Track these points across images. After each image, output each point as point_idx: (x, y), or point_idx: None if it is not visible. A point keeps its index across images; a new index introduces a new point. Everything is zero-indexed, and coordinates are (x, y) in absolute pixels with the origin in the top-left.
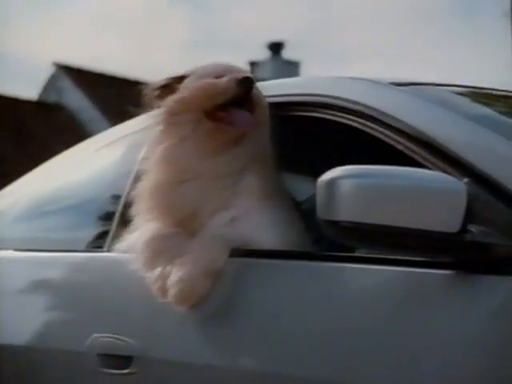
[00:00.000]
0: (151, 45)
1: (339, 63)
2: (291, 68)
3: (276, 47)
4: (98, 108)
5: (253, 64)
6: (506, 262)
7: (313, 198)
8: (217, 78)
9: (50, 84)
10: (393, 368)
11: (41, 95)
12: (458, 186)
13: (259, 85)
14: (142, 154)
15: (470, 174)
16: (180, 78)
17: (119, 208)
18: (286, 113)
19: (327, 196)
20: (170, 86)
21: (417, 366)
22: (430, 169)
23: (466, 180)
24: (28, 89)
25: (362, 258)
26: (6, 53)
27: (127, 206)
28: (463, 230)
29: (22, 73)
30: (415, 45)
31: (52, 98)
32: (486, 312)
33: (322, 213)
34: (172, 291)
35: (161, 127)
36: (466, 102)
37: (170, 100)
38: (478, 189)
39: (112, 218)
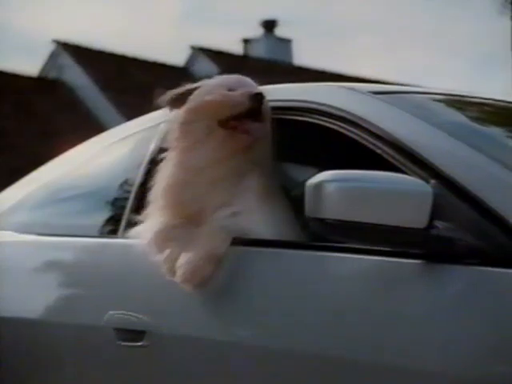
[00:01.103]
0: (148, 21)
1: (330, 41)
2: (284, 45)
3: (269, 25)
4: (97, 85)
5: (246, 41)
6: (466, 254)
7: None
8: (229, 90)
9: (50, 61)
10: (366, 341)
11: (41, 71)
12: (425, 188)
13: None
14: (152, 147)
15: (437, 176)
16: (196, 89)
17: (131, 197)
18: (278, 116)
19: (315, 197)
20: (186, 95)
21: (388, 338)
22: (403, 171)
23: (433, 182)
24: (28, 65)
25: (343, 247)
26: (8, 29)
27: (139, 195)
28: (430, 225)
29: (22, 49)
30: (405, 23)
31: (52, 75)
32: (449, 296)
33: (310, 211)
34: (179, 272)
35: (176, 132)
36: (440, 110)
37: (186, 108)
38: (443, 190)
39: (125, 207)
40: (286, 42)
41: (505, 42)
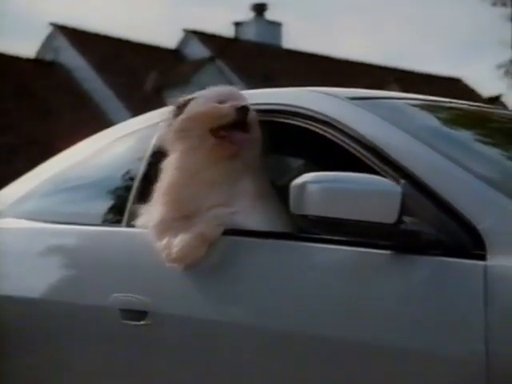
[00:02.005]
0: (142, 4)
1: (318, 23)
2: (274, 28)
3: (259, 8)
4: (92, 67)
5: (237, 24)
6: (430, 246)
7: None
8: (220, 102)
9: (47, 43)
10: (343, 321)
11: (38, 53)
12: (394, 188)
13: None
14: (153, 142)
15: (406, 177)
16: (192, 99)
17: (134, 189)
18: (264, 118)
19: (299, 196)
20: (185, 105)
21: (363, 319)
22: (376, 171)
23: (402, 182)
24: (25, 47)
25: (324, 239)
26: (6, 11)
27: (141, 187)
28: (399, 221)
29: (19, 31)
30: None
31: (49, 57)
32: (415, 282)
33: (294, 208)
34: (174, 251)
35: (172, 139)
36: (414, 114)
37: (181, 118)
38: (411, 189)
39: (128, 197)
40: (275, 26)
41: (487, 27)
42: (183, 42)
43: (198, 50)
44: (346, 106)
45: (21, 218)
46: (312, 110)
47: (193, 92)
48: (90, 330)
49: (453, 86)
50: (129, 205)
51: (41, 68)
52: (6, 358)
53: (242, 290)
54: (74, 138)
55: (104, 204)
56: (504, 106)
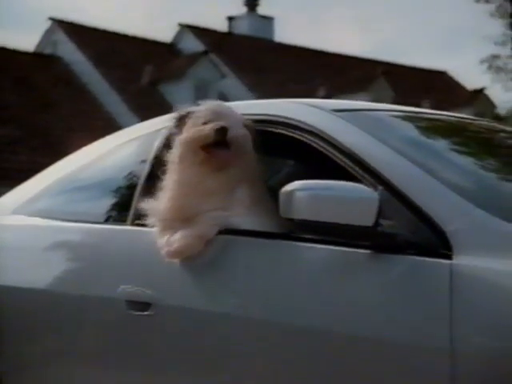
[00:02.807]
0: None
1: (309, 16)
2: (266, 23)
3: (252, 3)
4: (90, 60)
5: (230, 19)
6: (404, 246)
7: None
8: (207, 121)
9: (46, 37)
10: (325, 313)
11: (37, 47)
12: (372, 194)
13: (237, 105)
14: (156, 145)
15: (384, 184)
16: (189, 113)
17: (138, 190)
18: (258, 127)
19: (287, 201)
20: (183, 118)
21: (342, 311)
22: (357, 177)
23: (380, 188)
24: (25, 40)
25: (310, 239)
26: (6, 5)
27: (145, 188)
28: (376, 223)
29: (19, 25)
30: None
31: (48, 50)
32: (391, 278)
33: (284, 212)
34: (173, 247)
35: (176, 157)
36: (394, 125)
37: (180, 139)
38: (388, 195)
39: (132, 198)
40: (267, 20)
41: (472, 23)
42: (178, 36)
43: (192, 44)
44: (330, 118)
45: (33, 215)
46: (299, 121)
47: (188, 87)
48: (98, 319)
49: (438, 79)
50: (133, 205)
51: (40, 61)
52: (17, 345)
53: (235, 284)
54: (72, 129)
55: (110, 204)
56: (487, 99)
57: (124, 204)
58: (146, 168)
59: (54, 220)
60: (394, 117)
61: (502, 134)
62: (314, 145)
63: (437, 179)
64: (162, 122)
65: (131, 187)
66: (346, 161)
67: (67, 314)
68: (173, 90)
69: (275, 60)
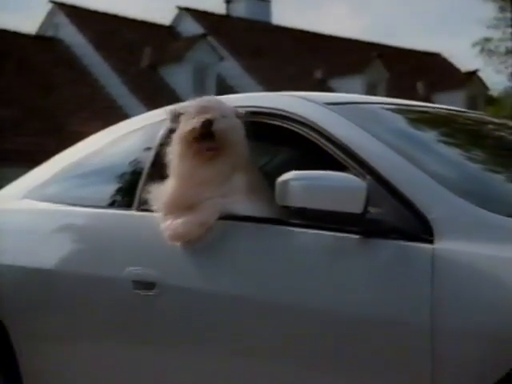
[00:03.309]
0: None
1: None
2: (263, 5)
3: None
4: (91, 42)
5: (228, 2)
6: (390, 232)
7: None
8: (196, 115)
9: (47, 20)
10: (317, 292)
11: (39, 30)
12: (361, 183)
13: (236, 97)
14: (160, 134)
15: (371, 174)
16: (182, 109)
17: (143, 177)
18: (253, 119)
19: (283, 190)
20: (178, 114)
21: (334, 290)
22: (347, 167)
23: (368, 178)
24: (27, 23)
25: (303, 224)
26: None
27: (150, 175)
28: (364, 211)
29: (21, 8)
30: None
31: (49, 33)
32: (379, 260)
33: (279, 200)
34: (176, 231)
35: (173, 151)
36: (384, 118)
37: (177, 135)
38: (375, 184)
39: (137, 184)
40: (265, 2)
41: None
42: (177, 19)
43: (191, 27)
44: (322, 111)
45: (43, 200)
46: (294, 114)
47: (187, 69)
48: (106, 298)
49: (432, 61)
50: (138, 191)
51: (42, 44)
52: (28, 321)
53: (234, 266)
54: (74, 111)
55: (117, 190)
56: (480, 81)
57: (130, 190)
58: (151, 156)
59: (63, 205)
60: (385, 109)
61: (490, 126)
62: (308, 136)
63: (421, 170)
64: (165, 113)
65: (137, 174)
66: (337, 151)
67: (76, 293)
68: (172, 72)
69: (272, 42)
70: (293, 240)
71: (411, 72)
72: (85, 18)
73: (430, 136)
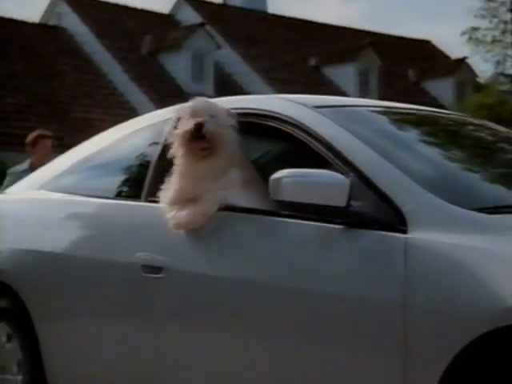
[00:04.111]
0: None
1: None
2: None
3: None
4: (93, 32)
5: None
6: (370, 223)
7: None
8: (190, 118)
9: (50, 9)
10: (307, 274)
11: (42, 18)
12: (344, 180)
13: (233, 99)
14: (166, 131)
15: (354, 171)
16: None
17: (150, 170)
18: (248, 119)
19: (276, 186)
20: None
21: (321, 272)
22: (332, 165)
23: (351, 175)
24: (30, 12)
25: (295, 216)
26: None
27: (156, 168)
28: (348, 204)
29: None
30: None
31: (52, 22)
32: (361, 248)
33: (273, 195)
34: (181, 220)
35: (174, 151)
36: (371, 119)
37: (177, 135)
38: (357, 180)
39: (145, 177)
40: None
41: None
42: (176, 8)
43: (189, 16)
44: (311, 114)
45: (58, 191)
46: (286, 116)
47: (185, 57)
48: (117, 280)
49: (423, 48)
50: (146, 183)
51: (45, 32)
52: (44, 300)
53: (232, 252)
54: (76, 97)
55: (127, 182)
56: (469, 68)
57: (138, 183)
58: (158, 151)
59: (77, 196)
60: (371, 112)
61: (469, 127)
62: (298, 136)
63: (398, 167)
64: (171, 112)
65: (145, 168)
66: (323, 150)
67: (89, 275)
68: (171, 60)
69: (268, 31)
70: (285, 229)
71: (402, 59)
72: (86, 7)
73: (410, 136)
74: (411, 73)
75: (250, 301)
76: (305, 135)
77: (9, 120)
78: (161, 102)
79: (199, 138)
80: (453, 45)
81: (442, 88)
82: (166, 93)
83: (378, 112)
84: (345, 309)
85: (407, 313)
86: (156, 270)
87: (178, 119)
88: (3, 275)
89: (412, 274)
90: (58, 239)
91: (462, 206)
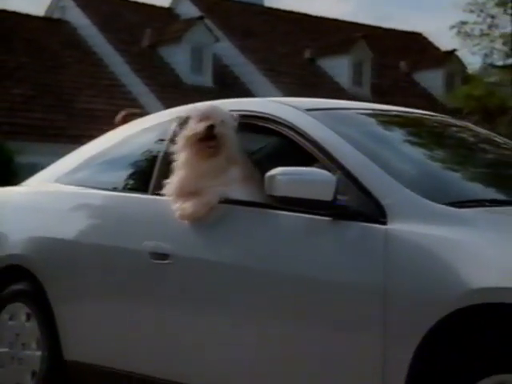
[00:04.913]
0: None
1: None
2: None
3: None
4: (95, 25)
5: None
6: (354, 215)
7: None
8: (201, 120)
9: (54, 2)
10: (295, 260)
11: (46, 12)
12: (331, 177)
13: (232, 102)
14: (172, 129)
15: (340, 169)
16: (189, 116)
17: (157, 165)
18: (246, 121)
19: (270, 182)
20: (185, 120)
21: (311, 260)
22: (322, 164)
23: (338, 172)
24: (35, 6)
25: (287, 208)
26: None
27: (163, 163)
28: (334, 198)
29: None
30: None
31: (56, 15)
32: (344, 238)
33: (268, 190)
34: (186, 211)
35: (180, 147)
36: (358, 121)
37: (183, 135)
38: (343, 177)
39: (152, 172)
40: None
41: None
42: (175, 2)
43: (188, 9)
44: (302, 116)
45: (71, 184)
46: (279, 118)
47: (185, 50)
48: (126, 266)
49: (414, 40)
50: (153, 178)
51: (50, 25)
52: (59, 283)
53: (232, 240)
54: (80, 88)
55: (135, 176)
56: (458, 60)
57: (146, 177)
58: (164, 148)
59: (89, 188)
60: (359, 114)
61: (451, 129)
62: (290, 136)
63: (380, 166)
64: (177, 112)
65: (152, 163)
66: (313, 149)
67: (101, 261)
68: (171, 53)
69: (264, 24)
70: (278, 220)
71: (394, 51)
72: (89, 1)
73: (394, 137)
74: (403, 64)
75: (247, 283)
76: (296, 136)
77: (15, 110)
78: (161, 92)
79: (209, 137)
80: (443, 38)
81: (433, 79)
82: (166, 84)
83: (366, 114)
84: (331, 292)
85: (386, 294)
86: (163, 256)
87: (186, 120)
88: (23, 260)
89: (391, 261)
90: (72, 228)
91: (435, 201)
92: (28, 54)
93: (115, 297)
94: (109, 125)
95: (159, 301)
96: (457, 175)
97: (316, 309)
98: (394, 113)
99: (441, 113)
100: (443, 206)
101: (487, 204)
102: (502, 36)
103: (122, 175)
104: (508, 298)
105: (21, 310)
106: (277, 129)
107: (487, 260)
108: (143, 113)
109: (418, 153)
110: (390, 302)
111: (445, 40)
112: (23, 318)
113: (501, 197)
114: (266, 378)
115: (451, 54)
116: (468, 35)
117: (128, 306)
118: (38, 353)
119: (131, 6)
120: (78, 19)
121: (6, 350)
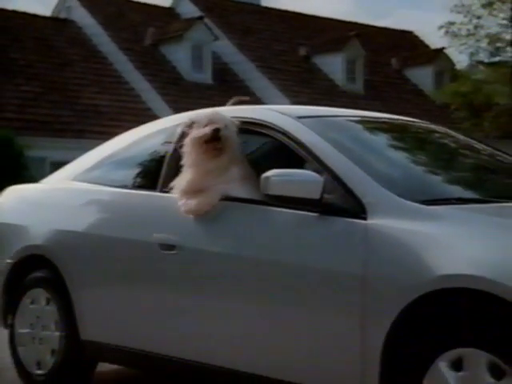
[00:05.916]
0: None
1: None
2: None
3: None
4: (100, 24)
5: None
6: (339, 211)
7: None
8: (206, 125)
9: (60, 3)
10: (286, 250)
11: (53, 12)
12: (319, 178)
13: (228, 109)
14: (178, 132)
15: (327, 170)
16: (194, 121)
17: (165, 164)
18: (245, 127)
19: (265, 182)
20: (191, 124)
21: (300, 251)
22: (311, 166)
23: (325, 174)
24: (42, 6)
25: (280, 205)
26: None
27: (171, 162)
28: (321, 197)
29: None
30: None
31: (62, 15)
32: (330, 232)
33: (263, 190)
34: (191, 207)
35: (186, 150)
36: (347, 128)
37: (189, 138)
38: (329, 178)
39: (160, 171)
40: None
41: None
42: (176, 2)
43: (189, 9)
44: (294, 123)
45: (88, 182)
46: (273, 124)
47: (185, 48)
48: (137, 256)
49: (405, 38)
50: (161, 177)
51: (56, 25)
52: (76, 271)
53: (232, 233)
54: (86, 85)
55: (144, 175)
56: (447, 58)
57: (155, 176)
58: (171, 150)
59: (103, 186)
60: (347, 121)
61: (433, 135)
62: (283, 141)
63: (362, 168)
64: (182, 118)
65: (160, 163)
66: (303, 153)
67: (114, 251)
68: (172, 50)
69: (261, 23)
70: (273, 216)
71: (386, 49)
72: (94, 2)
73: (377, 142)
74: (394, 61)
75: (245, 271)
76: (288, 140)
77: (25, 107)
78: (163, 89)
79: (214, 140)
80: (432, 36)
81: (423, 76)
82: (168, 81)
83: (354, 121)
84: (318, 278)
85: (365, 281)
86: (170, 247)
87: (191, 125)
88: (44, 251)
89: (370, 251)
90: (88, 222)
91: (409, 199)
92: (36, 52)
93: (127, 283)
94: (113, 120)
95: (166, 286)
96: (430, 176)
97: (305, 292)
98: (381, 120)
99: (430, 108)
100: (415, 204)
101: (454, 202)
102: (487, 36)
103: (132, 174)
104: (470, 284)
105: (41, 295)
106: (271, 134)
107: (453, 250)
108: (251, 100)
109: (398, 156)
110: (368, 286)
111: (436, 39)
112: (43, 302)
113: (467, 195)
114: (261, 352)
115: (440, 51)
116: (455, 35)
117: (138, 292)
118: (57, 333)
119: (134, 6)
120: (84, 19)
121: (27, 330)
